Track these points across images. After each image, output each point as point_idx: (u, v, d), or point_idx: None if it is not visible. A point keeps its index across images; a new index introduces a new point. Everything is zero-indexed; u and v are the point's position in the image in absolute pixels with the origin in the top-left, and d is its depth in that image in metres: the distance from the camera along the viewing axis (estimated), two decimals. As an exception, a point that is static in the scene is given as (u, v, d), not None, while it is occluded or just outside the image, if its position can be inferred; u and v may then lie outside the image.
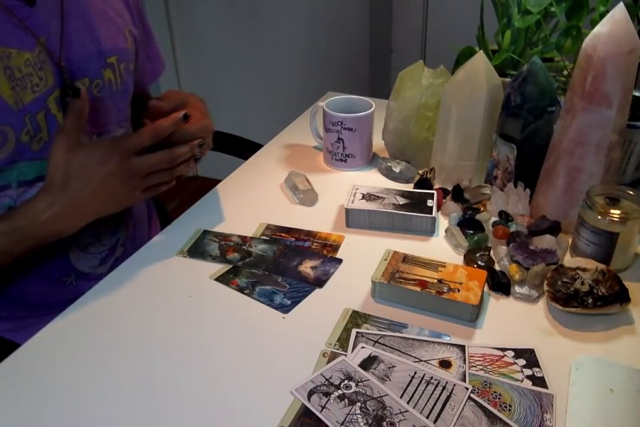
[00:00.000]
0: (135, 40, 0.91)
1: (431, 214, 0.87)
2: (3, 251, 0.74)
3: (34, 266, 0.85)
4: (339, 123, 1.01)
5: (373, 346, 0.69)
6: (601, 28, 0.74)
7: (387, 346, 0.69)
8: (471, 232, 0.85)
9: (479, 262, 0.80)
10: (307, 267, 0.82)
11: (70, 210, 0.74)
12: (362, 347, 0.68)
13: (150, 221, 1.09)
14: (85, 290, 0.79)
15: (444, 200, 0.93)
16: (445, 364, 0.66)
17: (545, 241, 0.80)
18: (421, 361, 0.67)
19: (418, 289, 0.73)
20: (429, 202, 0.89)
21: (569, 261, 0.77)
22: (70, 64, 0.79)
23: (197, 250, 0.85)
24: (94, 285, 0.79)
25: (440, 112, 0.95)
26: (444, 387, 0.63)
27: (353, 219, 0.89)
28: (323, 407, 0.61)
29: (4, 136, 0.73)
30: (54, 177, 0.73)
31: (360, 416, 0.60)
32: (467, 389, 0.63)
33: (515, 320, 0.73)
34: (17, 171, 0.77)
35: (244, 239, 0.87)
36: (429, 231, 0.88)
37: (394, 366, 0.66)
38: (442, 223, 0.90)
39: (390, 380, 0.64)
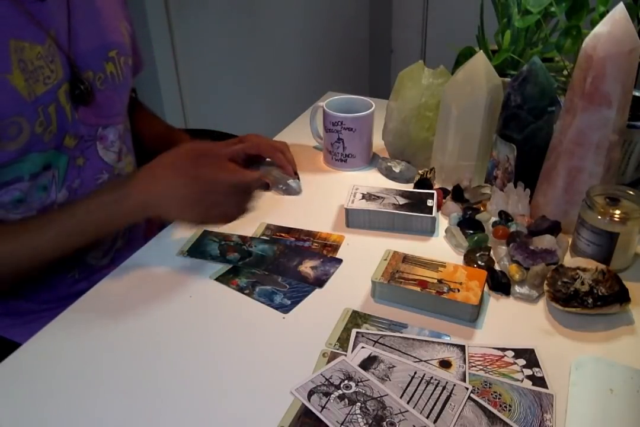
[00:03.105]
0: (130, 36, 0.94)
1: (431, 214, 0.87)
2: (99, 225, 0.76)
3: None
4: (339, 123, 1.01)
5: (373, 346, 0.69)
6: (601, 28, 0.74)
7: (387, 346, 0.69)
8: (471, 232, 0.85)
9: (479, 262, 0.80)
10: (307, 267, 0.82)
11: (148, 179, 0.75)
12: (362, 347, 0.68)
13: (149, 219, 1.09)
14: (87, 284, 0.79)
15: (444, 200, 0.93)
16: (445, 364, 0.66)
17: (545, 241, 0.80)
18: (421, 361, 0.67)
19: (418, 289, 0.73)
20: (429, 202, 0.89)
21: (569, 261, 0.77)
22: (76, 57, 0.81)
23: (197, 250, 0.85)
24: (96, 278, 0.80)
25: (440, 112, 0.95)
26: (444, 387, 0.63)
27: (353, 219, 0.89)
28: (323, 407, 0.61)
29: (19, 127, 0.74)
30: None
31: (360, 416, 0.60)
32: (467, 389, 0.63)
33: (515, 320, 0.73)
34: (29, 162, 0.78)
35: (244, 239, 0.87)
36: (429, 231, 0.88)
37: (394, 366, 0.66)
38: (442, 223, 0.90)
39: (390, 380, 0.64)
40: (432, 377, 0.64)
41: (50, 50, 0.76)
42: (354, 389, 0.63)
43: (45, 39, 0.75)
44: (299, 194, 0.98)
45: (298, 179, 1.01)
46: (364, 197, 0.91)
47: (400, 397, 0.62)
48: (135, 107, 1.10)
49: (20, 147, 0.75)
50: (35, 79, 0.74)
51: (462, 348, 0.68)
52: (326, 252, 0.85)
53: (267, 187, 0.98)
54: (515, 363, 0.67)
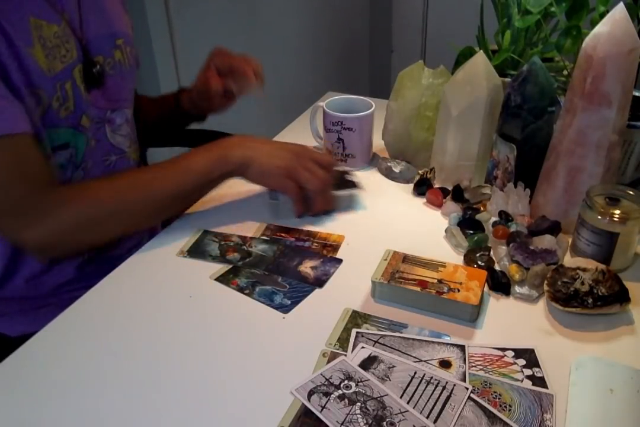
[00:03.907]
0: (132, 29, 0.97)
1: (355, 187, 0.94)
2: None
3: None
4: (339, 123, 1.01)
5: (373, 346, 0.69)
6: (601, 28, 0.74)
7: (387, 346, 0.69)
8: (471, 232, 0.85)
9: (479, 262, 0.80)
10: (307, 267, 0.82)
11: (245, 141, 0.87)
12: (362, 347, 0.68)
13: None
14: (94, 266, 0.79)
15: (444, 200, 0.93)
16: (445, 364, 0.66)
17: (545, 241, 0.80)
18: (421, 361, 0.67)
19: (418, 289, 0.73)
20: (347, 177, 0.94)
21: (569, 261, 0.77)
22: (87, 42, 0.85)
23: (197, 250, 0.85)
24: (102, 260, 0.80)
25: (440, 112, 0.95)
26: (444, 387, 0.63)
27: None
28: (323, 407, 0.61)
29: (39, 97, 0.77)
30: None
31: (360, 416, 0.60)
32: (467, 389, 0.63)
33: (515, 320, 0.73)
34: (48, 140, 0.80)
35: (244, 239, 0.87)
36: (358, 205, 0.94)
37: (394, 366, 0.66)
38: (442, 223, 0.90)
39: (390, 380, 0.64)
40: (432, 377, 0.64)
41: (65, 31, 0.80)
42: (354, 389, 0.63)
43: (60, 20, 0.79)
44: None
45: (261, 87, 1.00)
46: None
47: (400, 397, 0.62)
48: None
49: (36, 121, 0.77)
50: (53, 56, 0.78)
51: (462, 348, 0.68)
52: (326, 252, 0.85)
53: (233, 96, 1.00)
54: (515, 363, 0.67)
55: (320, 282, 0.79)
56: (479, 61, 0.89)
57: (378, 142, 1.07)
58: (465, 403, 0.62)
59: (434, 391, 0.63)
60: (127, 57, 0.92)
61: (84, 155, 0.86)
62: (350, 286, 0.78)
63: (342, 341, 0.69)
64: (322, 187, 0.87)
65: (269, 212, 0.93)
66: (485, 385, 0.64)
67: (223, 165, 0.84)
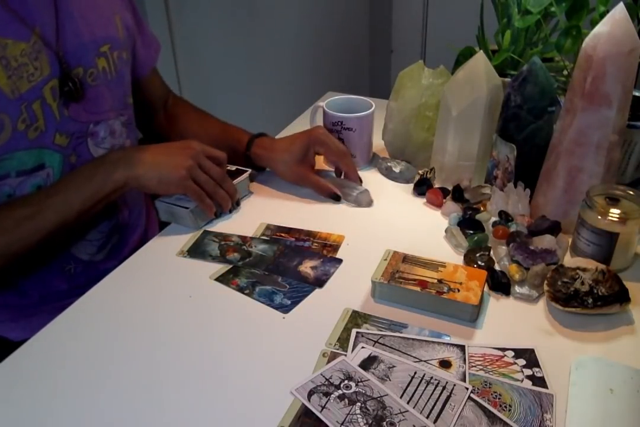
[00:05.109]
0: (127, 28, 0.92)
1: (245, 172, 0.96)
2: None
3: (35, 254, 0.85)
4: (339, 123, 1.01)
5: (373, 346, 0.69)
6: (601, 28, 0.74)
7: (387, 346, 0.69)
8: (471, 232, 0.85)
9: (479, 262, 0.80)
10: (307, 267, 0.82)
11: (136, 154, 0.83)
12: (362, 347, 0.68)
13: (149, 216, 1.09)
14: (85, 278, 0.79)
15: (444, 200, 0.93)
16: (445, 364, 0.66)
17: (545, 241, 0.80)
18: (421, 361, 0.67)
19: (418, 289, 0.73)
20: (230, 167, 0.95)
21: (569, 261, 0.77)
22: (65, 53, 0.80)
23: (197, 250, 0.85)
24: (93, 273, 0.79)
25: (440, 112, 0.95)
26: (444, 387, 0.63)
27: None
28: (323, 407, 0.61)
29: (1, 124, 0.74)
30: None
31: (360, 416, 0.60)
32: (467, 389, 0.63)
33: (515, 320, 0.73)
34: (17, 161, 0.78)
35: (244, 239, 0.87)
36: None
37: (394, 366, 0.66)
38: (442, 223, 0.90)
39: (390, 380, 0.64)
40: (432, 377, 0.64)
41: (35, 47, 0.76)
42: (354, 389, 0.63)
43: (29, 36, 0.75)
44: (371, 205, 0.95)
45: (363, 187, 0.97)
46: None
47: (400, 397, 0.62)
48: (181, 106, 1.10)
49: (3, 144, 0.75)
50: (19, 76, 0.74)
51: (462, 348, 0.68)
52: (326, 252, 0.85)
53: (338, 198, 0.95)
54: (515, 363, 0.67)
55: (320, 282, 0.79)
56: (479, 61, 0.89)
57: (378, 142, 1.07)
58: (465, 403, 0.62)
59: (434, 391, 0.63)
60: (114, 64, 0.88)
61: (61, 173, 0.83)
62: (350, 286, 0.78)
63: (342, 341, 0.69)
64: (219, 185, 0.88)
65: (187, 223, 0.89)
66: (485, 385, 0.64)
67: (105, 187, 0.80)
